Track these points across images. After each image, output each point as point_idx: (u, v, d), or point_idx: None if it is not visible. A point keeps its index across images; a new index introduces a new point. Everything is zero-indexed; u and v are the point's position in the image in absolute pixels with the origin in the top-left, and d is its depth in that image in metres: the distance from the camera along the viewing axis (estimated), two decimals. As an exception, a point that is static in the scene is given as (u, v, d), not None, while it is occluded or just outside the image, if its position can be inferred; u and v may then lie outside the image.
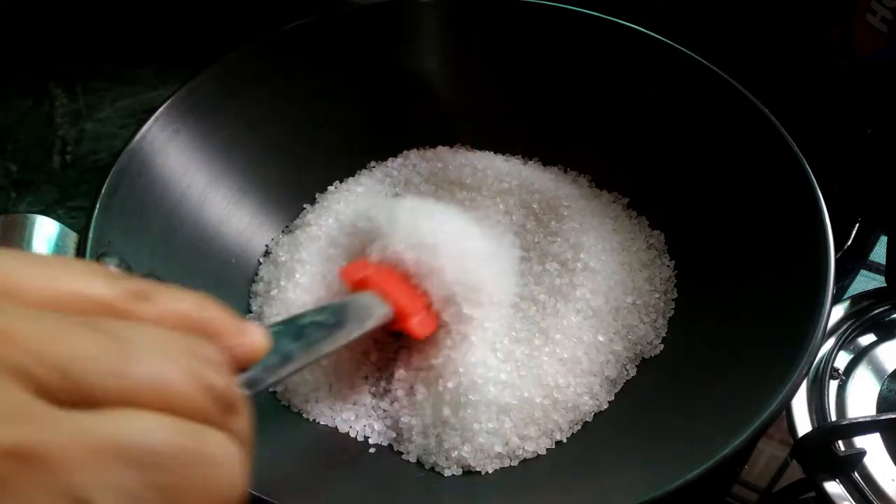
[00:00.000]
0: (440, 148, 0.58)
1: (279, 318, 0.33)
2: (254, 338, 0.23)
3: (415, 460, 0.44)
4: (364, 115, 0.58)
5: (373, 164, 0.57)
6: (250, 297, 0.51)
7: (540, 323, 0.48)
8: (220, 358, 0.19)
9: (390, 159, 0.58)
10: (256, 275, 0.52)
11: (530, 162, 0.58)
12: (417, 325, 0.44)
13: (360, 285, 0.43)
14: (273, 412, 0.45)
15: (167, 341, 0.18)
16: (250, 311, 0.50)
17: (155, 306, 0.19)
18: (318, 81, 0.56)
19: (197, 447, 0.17)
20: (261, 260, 0.53)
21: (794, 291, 0.42)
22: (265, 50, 0.54)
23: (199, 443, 0.17)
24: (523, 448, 0.43)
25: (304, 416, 0.45)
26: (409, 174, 0.56)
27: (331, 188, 0.56)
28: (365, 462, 0.44)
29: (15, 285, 0.17)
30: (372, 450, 0.44)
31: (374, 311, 0.41)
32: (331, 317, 0.36)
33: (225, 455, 0.17)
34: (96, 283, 0.19)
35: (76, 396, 0.16)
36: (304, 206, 0.55)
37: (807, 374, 0.39)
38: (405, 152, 0.58)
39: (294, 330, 0.32)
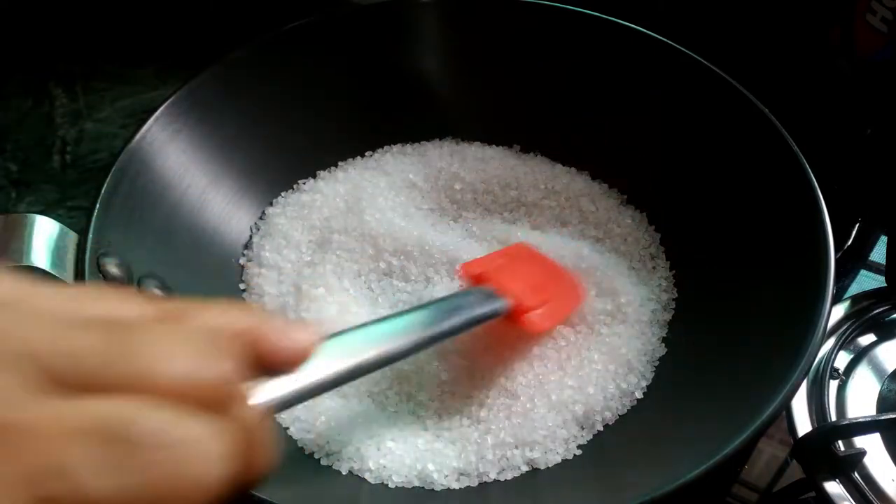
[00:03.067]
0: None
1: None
2: (303, 336, 0.23)
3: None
4: (364, 116, 0.57)
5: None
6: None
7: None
8: (230, 348, 0.20)
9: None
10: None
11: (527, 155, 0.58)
12: (537, 318, 0.43)
13: (478, 280, 0.43)
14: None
15: (173, 335, 0.19)
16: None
17: (187, 322, 0.20)
18: (318, 81, 0.56)
19: (174, 434, 0.17)
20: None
21: (794, 291, 0.42)
22: (265, 50, 0.54)
23: (178, 429, 0.17)
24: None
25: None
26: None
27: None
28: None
29: (45, 307, 0.18)
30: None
31: (481, 309, 0.40)
32: (427, 318, 0.36)
33: (201, 444, 0.18)
34: (126, 307, 0.19)
35: (78, 385, 0.17)
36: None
37: (807, 374, 0.39)
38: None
39: (368, 338, 0.30)
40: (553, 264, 0.48)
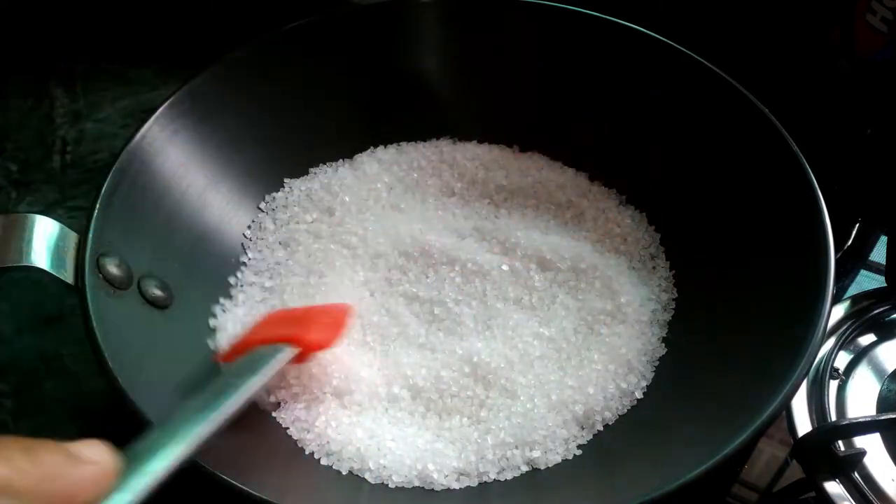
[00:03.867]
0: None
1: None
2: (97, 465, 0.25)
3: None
4: (364, 116, 0.58)
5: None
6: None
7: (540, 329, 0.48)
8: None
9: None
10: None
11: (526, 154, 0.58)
12: (315, 337, 0.43)
13: (238, 353, 0.42)
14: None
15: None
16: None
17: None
18: (318, 81, 0.56)
19: None
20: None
21: (794, 291, 0.42)
22: (265, 50, 0.54)
23: None
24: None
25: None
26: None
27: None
28: None
29: None
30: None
31: (268, 362, 0.39)
32: (211, 397, 0.35)
33: None
34: None
35: None
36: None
37: (807, 374, 0.39)
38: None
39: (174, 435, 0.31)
40: (302, 309, 0.47)
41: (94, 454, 0.25)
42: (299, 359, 0.43)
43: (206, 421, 0.33)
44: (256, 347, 0.41)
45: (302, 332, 0.42)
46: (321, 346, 0.44)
